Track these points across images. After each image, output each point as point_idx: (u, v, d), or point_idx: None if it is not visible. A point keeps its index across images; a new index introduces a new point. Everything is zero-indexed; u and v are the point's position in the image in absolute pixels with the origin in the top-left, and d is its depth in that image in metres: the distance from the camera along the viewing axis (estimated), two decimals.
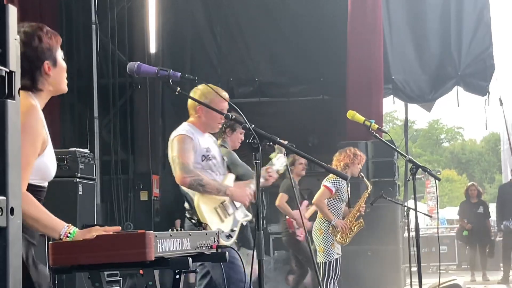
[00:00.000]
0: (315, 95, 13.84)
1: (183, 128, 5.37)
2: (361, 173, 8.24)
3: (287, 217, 9.62)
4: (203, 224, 4.99)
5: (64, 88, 3.21)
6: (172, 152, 5.20)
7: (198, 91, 5.28)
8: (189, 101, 5.35)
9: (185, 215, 5.28)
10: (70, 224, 2.95)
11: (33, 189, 2.96)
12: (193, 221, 5.12)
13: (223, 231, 5.14)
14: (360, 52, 11.71)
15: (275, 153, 6.56)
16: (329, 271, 7.77)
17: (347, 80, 11.94)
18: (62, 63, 3.18)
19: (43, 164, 2.99)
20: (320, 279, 7.82)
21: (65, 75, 3.20)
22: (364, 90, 11.47)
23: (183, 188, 5.20)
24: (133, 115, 12.69)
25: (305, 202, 9.85)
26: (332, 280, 7.77)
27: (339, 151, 8.20)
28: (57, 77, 3.14)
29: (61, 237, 2.89)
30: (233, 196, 5.32)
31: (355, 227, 8.05)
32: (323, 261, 7.80)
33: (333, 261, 7.79)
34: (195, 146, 5.22)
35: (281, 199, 9.48)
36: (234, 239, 5.33)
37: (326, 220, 7.89)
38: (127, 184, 11.88)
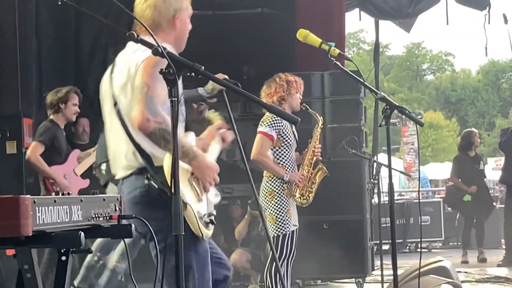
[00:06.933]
0: (252, 8, 13.80)
1: None
2: (304, 104, 8.18)
3: None
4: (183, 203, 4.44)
5: None
6: None
7: None
8: None
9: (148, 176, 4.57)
10: None
11: None
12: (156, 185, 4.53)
13: (203, 215, 4.69)
14: None
15: None
16: (282, 248, 7.69)
17: None
18: None
19: None
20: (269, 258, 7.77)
21: None
22: (320, 1, 11.50)
23: None
24: None
25: (76, 152, 9.87)
26: (286, 261, 7.72)
27: (266, 83, 8.07)
28: None
29: None
30: (199, 168, 4.63)
31: (316, 176, 8.06)
32: (276, 235, 7.70)
33: (289, 234, 7.73)
34: None
35: None
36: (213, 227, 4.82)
37: (276, 178, 7.81)
38: None
